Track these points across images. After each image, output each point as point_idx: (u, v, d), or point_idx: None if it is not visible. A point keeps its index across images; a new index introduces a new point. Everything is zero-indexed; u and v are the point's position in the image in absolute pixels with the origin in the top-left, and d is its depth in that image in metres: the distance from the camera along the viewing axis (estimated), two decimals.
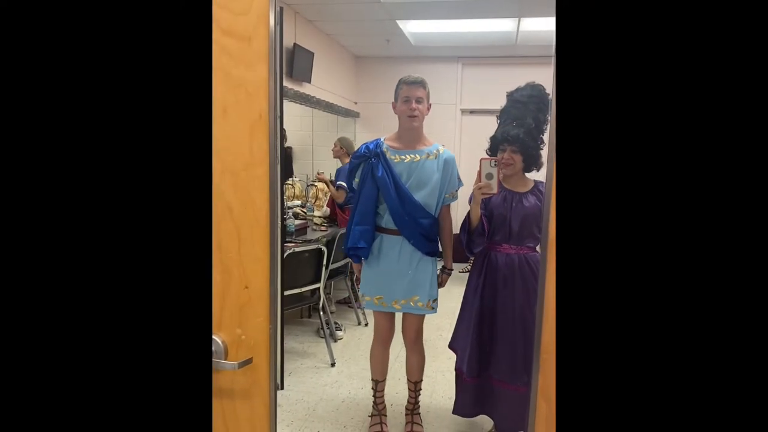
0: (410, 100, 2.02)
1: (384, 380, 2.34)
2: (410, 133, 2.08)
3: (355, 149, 2.41)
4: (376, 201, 2.08)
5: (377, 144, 2.11)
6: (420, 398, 2.36)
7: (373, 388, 2.36)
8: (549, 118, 2.03)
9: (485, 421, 2.31)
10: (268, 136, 1.04)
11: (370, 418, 2.39)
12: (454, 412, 2.20)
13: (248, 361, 1.06)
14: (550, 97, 2.10)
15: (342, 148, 4.04)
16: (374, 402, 2.37)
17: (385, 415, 2.37)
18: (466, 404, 2.15)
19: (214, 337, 1.04)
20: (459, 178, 2.16)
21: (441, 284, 2.19)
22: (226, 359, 1.05)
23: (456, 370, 2.15)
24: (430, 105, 2.11)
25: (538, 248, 2.02)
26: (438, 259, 2.18)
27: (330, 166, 4.56)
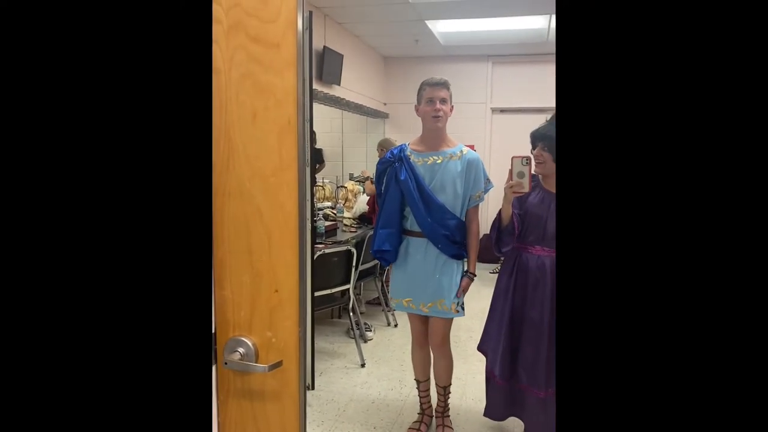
0: (434, 101, 2.02)
1: (426, 380, 2.35)
2: (434, 135, 2.08)
3: None
4: (400, 204, 2.10)
5: (401, 149, 2.14)
6: (450, 401, 2.35)
7: (417, 388, 2.38)
8: None
9: (516, 424, 2.28)
10: (297, 141, 1.05)
11: (418, 415, 2.40)
12: (486, 414, 2.18)
13: (278, 364, 1.08)
14: None
15: (383, 149, 4.06)
16: (420, 401, 2.39)
17: (430, 416, 2.38)
18: (497, 406, 2.13)
19: (245, 339, 1.06)
20: (488, 180, 2.13)
21: (463, 289, 2.12)
22: (257, 362, 1.07)
23: (487, 372, 2.13)
24: (453, 106, 2.10)
25: None
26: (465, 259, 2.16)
27: (358, 168, 4.58)
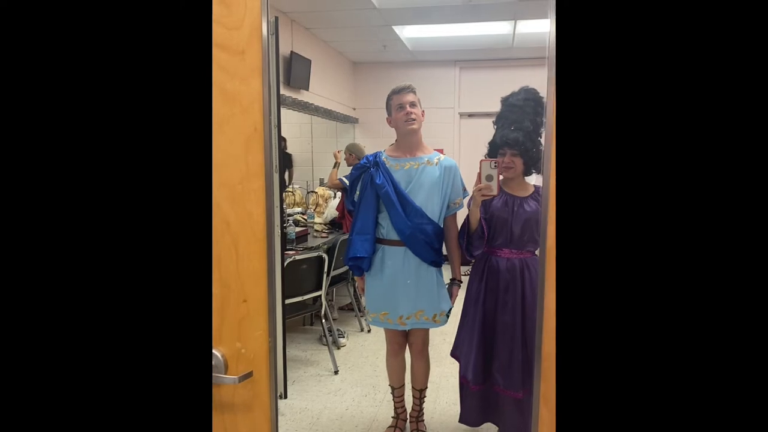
0: (404, 106, 2.02)
1: (401, 386, 2.34)
2: (409, 140, 2.07)
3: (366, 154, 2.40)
4: (376, 210, 2.07)
5: (376, 155, 2.12)
6: (424, 405, 2.36)
7: (392, 393, 2.37)
8: (545, 120, 2.03)
9: (490, 427, 2.30)
10: (263, 148, 1.04)
11: (393, 419, 2.40)
12: (461, 420, 2.19)
13: (248, 375, 1.06)
14: (545, 99, 2.09)
15: (352, 154, 4.05)
16: (394, 406, 2.38)
17: (405, 420, 2.37)
18: (472, 412, 2.14)
19: (214, 351, 1.04)
20: (464, 188, 2.13)
21: (453, 297, 2.15)
22: (226, 373, 1.05)
23: (461, 378, 2.13)
24: (424, 110, 2.10)
25: (537, 252, 2.02)
26: (445, 263, 2.17)
27: (328, 172, 4.56)
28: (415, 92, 2.05)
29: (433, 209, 2.04)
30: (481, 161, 1.85)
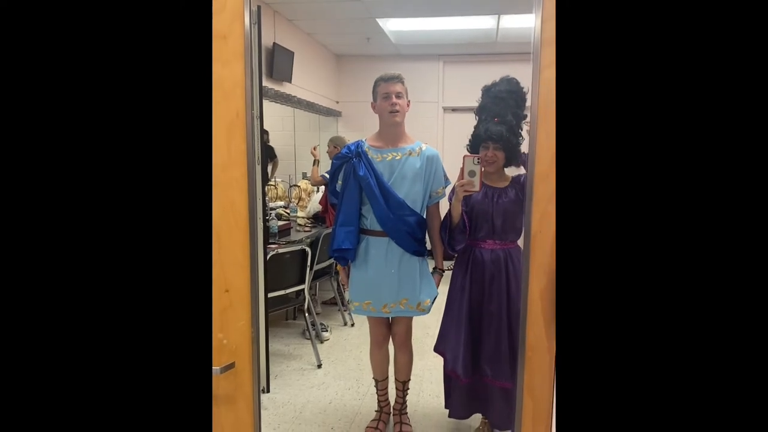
0: (390, 95, 2.01)
1: (385, 379, 2.33)
2: (392, 131, 2.07)
3: None
4: (359, 201, 2.06)
5: (358, 145, 2.10)
6: (407, 398, 2.36)
7: (375, 387, 2.37)
8: (527, 114, 2.05)
9: (473, 418, 2.32)
10: (246, 136, 1.02)
11: (376, 413, 2.40)
12: (451, 415, 2.20)
13: (230, 366, 1.04)
14: (526, 91, 2.09)
15: (336, 147, 4.01)
16: (378, 400, 2.38)
17: (388, 414, 2.37)
18: (460, 406, 2.15)
19: None
20: (446, 177, 2.14)
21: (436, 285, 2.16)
22: None
23: (448, 372, 2.12)
24: (409, 101, 2.09)
25: (519, 242, 2.03)
26: (429, 257, 2.17)
27: (311, 167, 4.53)
28: (403, 82, 2.04)
29: (415, 200, 2.04)
30: (465, 157, 1.85)
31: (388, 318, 2.22)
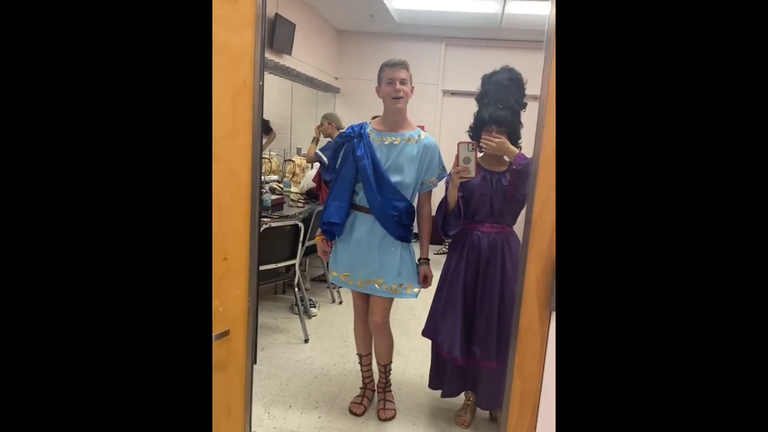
0: (394, 81, 2.04)
1: (368, 354, 2.37)
2: (394, 116, 2.10)
3: (344, 126, 2.38)
4: (353, 179, 2.10)
5: (362, 126, 2.15)
6: (392, 377, 2.39)
7: (359, 363, 2.40)
8: (526, 102, 2.08)
9: (457, 398, 2.36)
10: (252, 104, 1.01)
11: (360, 390, 2.42)
12: (443, 395, 2.25)
13: (225, 334, 1.05)
14: (525, 81, 2.14)
15: (331, 123, 3.98)
16: (362, 376, 2.42)
17: (372, 390, 2.40)
18: (454, 385, 2.20)
19: None
20: (443, 168, 2.14)
21: (423, 277, 2.14)
22: None
23: (445, 356, 2.12)
24: (413, 87, 2.12)
25: (515, 228, 2.05)
26: (414, 241, 2.17)
27: (307, 142, 4.49)
28: (407, 69, 2.07)
29: (407, 186, 2.08)
30: (459, 143, 1.87)
31: (369, 295, 2.24)
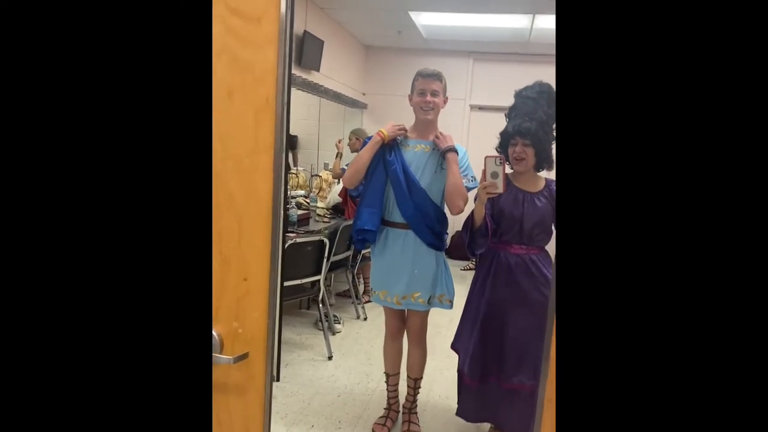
0: (425, 92, 2.04)
1: (396, 374, 2.33)
2: (424, 125, 2.11)
3: None
4: (384, 185, 2.10)
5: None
6: (418, 396, 2.33)
7: (386, 382, 2.37)
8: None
9: (483, 424, 2.28)
10: (275, 123, 1.00)
11: (384, 410, 2.38)
12: (458, 414, 2.17)
13: (244, 356, 1.02)
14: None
15: (359, 138, 3.99)
16: (387, 396, 2.38)
17: (397, 412, 2.36)
18: (468, 407, 2.12)
19: None
20: (473, 178, 2.10)
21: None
22: (221, 353, 1.01)
23: (458, 371, 2.11)
24: (447, 98, 2.11)
25: (547, 248, 1.98)
26: (444, 251, 2.14)
27: (334, 158, 4.51)
28: (441, 80, 2.07)
29: (437, 194, 2.07)
30: (486, 158, 1.78)
31: (404, 311, 2.23)
